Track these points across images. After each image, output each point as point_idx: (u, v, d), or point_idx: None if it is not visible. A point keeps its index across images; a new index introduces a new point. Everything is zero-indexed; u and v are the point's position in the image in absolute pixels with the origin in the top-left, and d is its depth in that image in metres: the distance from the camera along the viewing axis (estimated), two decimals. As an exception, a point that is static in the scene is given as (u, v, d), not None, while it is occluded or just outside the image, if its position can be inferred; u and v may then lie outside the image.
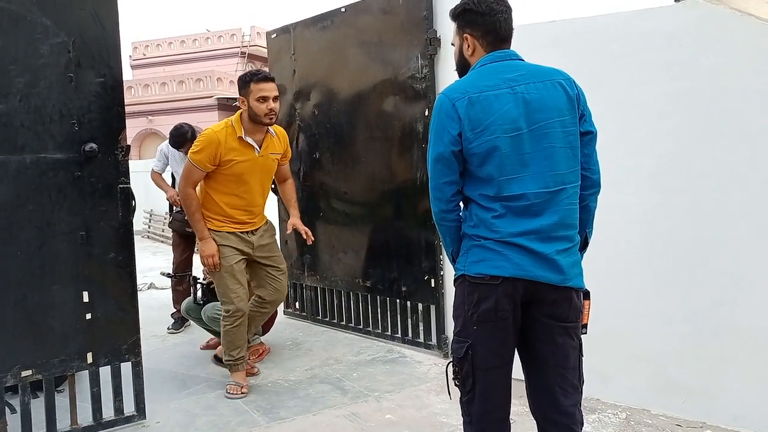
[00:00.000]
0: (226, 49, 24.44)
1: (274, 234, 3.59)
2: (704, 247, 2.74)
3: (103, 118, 2.85)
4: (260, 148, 3.28)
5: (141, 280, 5.76)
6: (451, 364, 1.86)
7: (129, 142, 2.98)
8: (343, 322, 4.57)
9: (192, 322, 4.34)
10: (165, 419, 3.08)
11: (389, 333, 4.22)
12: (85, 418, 2.91)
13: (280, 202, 4.52)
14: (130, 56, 25.78)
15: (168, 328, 4.77)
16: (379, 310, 4.28)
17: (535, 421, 1.91)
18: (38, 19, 2.67)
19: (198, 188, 3.37)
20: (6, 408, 2.98)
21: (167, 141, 4.80)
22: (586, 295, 1.87)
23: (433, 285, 3.86)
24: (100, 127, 2.84)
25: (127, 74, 23.82)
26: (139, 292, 3.08)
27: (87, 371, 2.87)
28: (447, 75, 3.59)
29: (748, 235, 2.63)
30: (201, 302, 4.05)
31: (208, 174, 3.27)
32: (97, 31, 2.82)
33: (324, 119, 4.51)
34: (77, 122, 2.78)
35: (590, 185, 1.87)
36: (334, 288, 4.61)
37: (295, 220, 3.60)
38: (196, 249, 5.00)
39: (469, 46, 1.88)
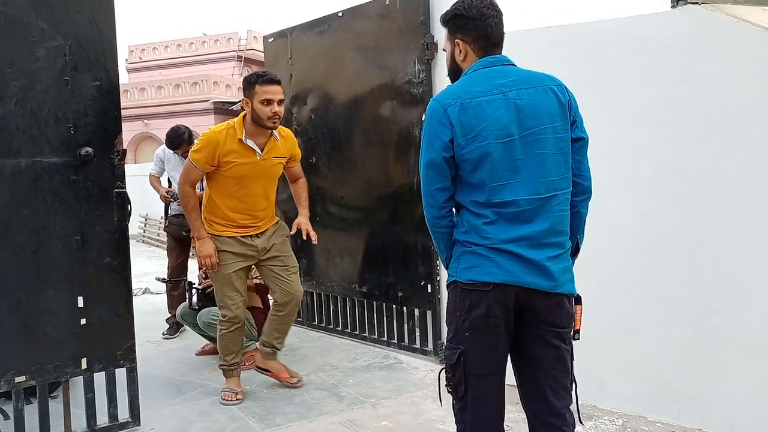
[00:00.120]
0: (222, 53, 24.43)
1: (285, 234, 3.45)
2: (701, 254, 2.74)
3: (99, 121, 2.83)
4: (262, 151, 3.19)
5: (136, 284, 5.73)
6: (444, 370, 1.86)
7: (125, 145, 2.97)
8: (339, 328, 4.56)
9: (187, 327, 4.32)
10: (160, 425, 3.06)
11: (385, 339, 4.21)
12: (79, 424, 2.89)
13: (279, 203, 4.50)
14: (127, 59, 25.75)
15: (163, 334, 4.75)
16: (375, 315, 4.27)
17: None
18: (34, 22, 2.66)
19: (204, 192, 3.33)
20: (-1, 414, 2.96)
21: (164, 145, 4.79)
22: (578, 300, 1.87)
23: (429, 290, 3.85)
24: (96, 131, 2.82)
25: (123, 78, 23.79)
26: (133, 297, 3.07)
27: (81, 377, 2.85)
28: (444, 80, 3.58)
29: (744, 241, 2.63)
30: (196, 307, 4.03)
31: (210, 176, 3.23)
32: (93, 34, 2.81)
33: (321, 124, 4.51)
34: (73, 126, 2.77)
35: (581, 191, 1.87)
36: (330, 293, 4.60)
37: (301, 220, 3.43)
38: (191, 254, 5.00)
39: (460, 51, 1.88)
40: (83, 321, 2.80)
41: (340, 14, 4.29)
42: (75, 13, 2.76)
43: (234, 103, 17.71)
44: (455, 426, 1.90)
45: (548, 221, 1.75)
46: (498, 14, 1.85)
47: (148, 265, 8.95)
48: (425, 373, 3.69)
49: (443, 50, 1.98)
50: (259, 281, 3.94)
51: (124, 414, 2.98)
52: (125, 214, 2.92)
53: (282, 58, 4.78)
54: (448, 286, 1.88)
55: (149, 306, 5.88)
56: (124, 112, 3.02)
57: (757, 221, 2.59)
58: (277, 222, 3.46)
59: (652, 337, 2.87)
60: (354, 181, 4.28)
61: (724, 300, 2.68)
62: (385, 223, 4.11)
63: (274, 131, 3.23)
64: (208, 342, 4.19)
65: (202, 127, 17.86)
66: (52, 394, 3.00)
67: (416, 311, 4.02)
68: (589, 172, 1.89)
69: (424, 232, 3.80)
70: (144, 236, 12.84)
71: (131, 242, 3.03)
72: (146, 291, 6.75)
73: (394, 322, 4.15)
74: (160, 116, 20.88)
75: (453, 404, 1.87)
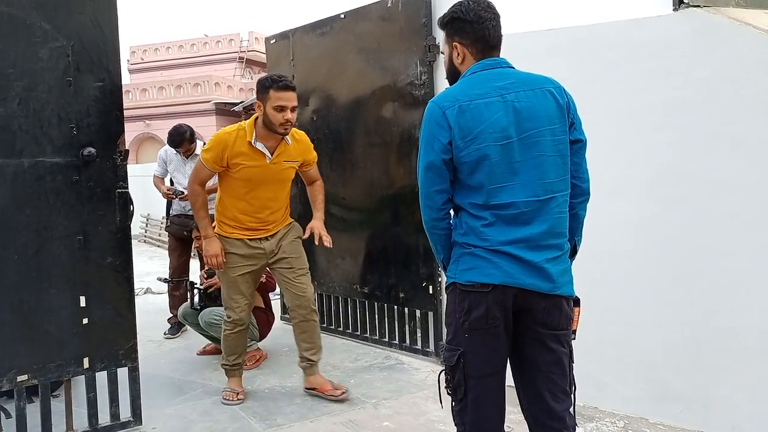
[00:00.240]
0: (224, 54, 24.48)
1: (296, 235, 3.38)
2: (701, 256, 2.74)
3: (102, 122, 2.84)
4: (272, 154, 3.13)
5: (137, 284, 5.73)
6: (443, 372, 1.86)
7: (126, 146, 2.97)
8: (341, 329, 4.56)
9: (189, 327, 4.33)
10: (161, 425, 3.07)
11: (387, 339, 4.21)
12: (81, 423, 2.89)
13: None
14: (128, 60, 25.80)
15: (164, 333, 4.76)
16: (376, 316, 4.27)
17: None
18: (37, 23, 2.67)
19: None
20: (1, 413, 2.97)
21: (166, 146, 4.80)
22: (577, 302, 1.87)
23: (431, 291, 3.85)
24: (98, 132, 2.83)
25: (125, 78, 23.84)
26: (135, 297, 3.07)
27: (83, 376, 2.85)
28: (446, 82, 3.59)
29: (744, 243, 2.63)
30: (198, 307, 4.04)
31: (221, 176, 3.21)
32: (96, 35, 2.82)
33: (323, 125, 4.51)
34: (76, 126, 2.77)
35: (580, 193, 1.87)
36: (331, 294, 4.61)
37: (314, 223, 3.30)
38: (193, 254, 5.01)
39: (458, 54, 1.89)
40: (85, 320, 2.81)
41: (342, 16, 4.30)
42: (78, 14, 2.77)
43: (235, 104, 17.74)
44: (456, 427, 1.90)
45: (547, 223, 1.76)
46: (495, 17, 1.86)
47: (149, 265, 8.97)
48: (426, 374, 3.69)
49: (441, 53, 1.99)
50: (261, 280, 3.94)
51: (125, 413, 2.99)
52: (128, 214, 2.93)
53: (284, 59, 4.79)
54: (447, 288, 1.88)
55: (151, 306, 5.89)
56: (125, 113, 3.03)
57: (757, 223, 2.60)
58: (290, 223, 3.40)
59: (653, 339, 2.87)
60: (356, 182, 4.29)
61: (724, 301, 2.68)
62: (387, 224, 4.11)
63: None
64: (210, 342, 4.20)
65: (204, 128, 17.92)
66: (53, 393, 3.01)
67: (417, 312, 4.02)
68: (588, 174, 1.89)
69: (425, 234, 3.81)
70: (145, 236, 12.85)
71: (132, 242, 3.04)
72: (148, 291, 6.76)
73: (396, 323, 4.15)
74: (161, 117, 20.92)
75: (452, 406, 1.87)
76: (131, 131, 20.83)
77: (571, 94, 1.87)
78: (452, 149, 1.76)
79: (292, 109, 3.04)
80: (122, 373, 2.95)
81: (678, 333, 2.81)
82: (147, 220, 12.93)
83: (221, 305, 4.01)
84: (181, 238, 4.75)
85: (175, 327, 4.78)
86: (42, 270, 2.71)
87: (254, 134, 3.09)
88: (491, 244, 1.74)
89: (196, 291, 4.10)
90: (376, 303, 4.25)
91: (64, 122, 2.75)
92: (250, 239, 3.24)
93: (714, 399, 2.72)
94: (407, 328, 4.10)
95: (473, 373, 1.79)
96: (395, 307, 4.13)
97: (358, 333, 4.40)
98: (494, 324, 1.76)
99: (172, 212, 4.85)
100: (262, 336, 4.15)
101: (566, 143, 1.80)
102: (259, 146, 3.10)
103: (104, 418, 2.94)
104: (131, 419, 3.00)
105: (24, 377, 2.68)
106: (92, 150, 2.80)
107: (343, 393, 3.30)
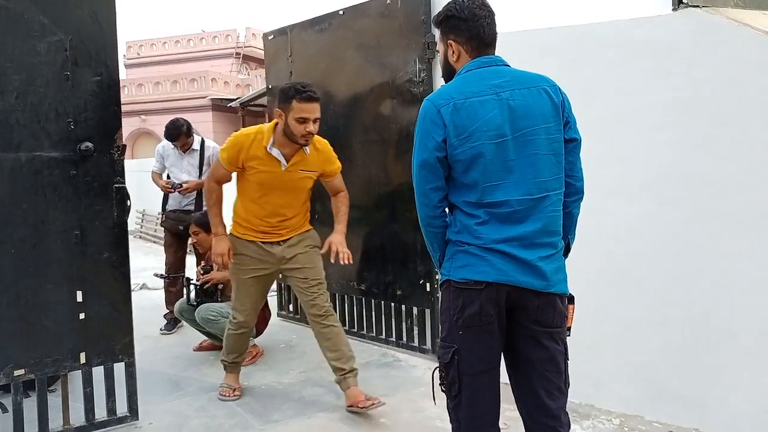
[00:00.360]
0: (220, 49, 24.38)
1: (312, 244, 3.25)
2: (698, 255, 2.75)
3: (99, 117, 2.84)
4: (288, 163, 3.04)
5: (133, 280, 5.72)
6: (438, 369, 1.86)
7: (123, 141, 2.96)
8: (337, 325, 4.56)
9: (185, 323, 4.32)
10: (158, 420, 3.07)
11: (384, 337, 4.22)
12: (78, 418, 2.89)
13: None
14: (124, 55, 25.67)
15: (161, 329, 4.75)
16: (373, 313, 4.28)
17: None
18: (35, 17, 2.66)
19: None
20: (-3, 408, 2.96)
21: (164, 141, 4.78)
22: (571, 300, 1.88)
23: (428, 289, 3.86)
24: (96, 126, 2.83)
25: (121, 73, 23.71)
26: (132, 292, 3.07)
27: (80, 371, 2.85)
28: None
29: (741, 243, 2.64)
30: (194, 303, 4.03)
31: (238, 176, 3.16)
32: (94, 29, 2.81)
33: (321, 122, 4.49)
34: (73, 121, 2.77)
35: (574, 192, 1.88)
36: (328, 291, 4.59)
37: (334, 238, 3.10)
38: (189, 250, 5.00)
39: (453, 52, 1.89)
40: (82, 315, 2.81)
41: (341, 12, 4.29)
42: (76, 8, 2.76)
43: (232, 100, 17.67)
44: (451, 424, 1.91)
45: (540, 221, 1.76)
46: (490, 14, 1.86)
47: (145, 261, 8.93)
48: (423, 371, 3.70)
49: (436, 51, 1.99)
50: None
51: (122, 408, 2.99)
52: (125, 209, 2.93)
53: (282, 55, 4.78)
54: (441, 286, 1.89)
55: (147, 301, 5.86)
56: (121, 108, 3.02)
57: (756, 224, 2.61)
58: (307, 231, 3.28)
59: (650, 338, 2.88)
60: (353, 179, 4.27)
61: (721, 301, 2.70)
62: (385, 222, 4.12)
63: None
64: (206, 338, 4.19)
65: (200, 123, 17.87)
66: (50, 388, 3.00)
67: (415, 309, 4.03)
68: (582, 173, 1.89)
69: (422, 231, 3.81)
70: (141, 232, 12.81)
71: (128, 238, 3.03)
72: (144, 286, 6.74)
73: (393, 320, 4.16)
74: (157, 112, 20.82)
75: (447, 403, 1.88)
76: (127, 126, 20.72)
77: (570, 93, 1.87)
78: (447, 147, 1.76)
79: (315, 121, 2.97)
80: (119, 368, 2.95)
81: (675, 332, 2.82)
82: (142, 215, 12.88)
83: (217, 301, 4.02)
84: (177, 233, 4.74)
85: (172, 323, 4.77)
86: (39, 265, 2.71)
87: (272, 140, 3.01)
88: (485, 242, 1.75)
89: (192, 287, 4.09)
90: (373, 300, 4.26)
91: (61, 117, 2.74)
92: (263, 242, 3.18)
93: (710, 397, 2.73)
94: (404, 325, 4.10)
95: (467, 370, 1.80)
96: (392, 304, 4.13)
97: (356, 330, 4.40)
98: (488, 321, 1.77)
99: (168, 207, 4.83)
100: (259, 332, 4.14)
101: (561, 142, 1.80)
102: (275, 153, 3.01)
103: (101, 413, 2.94)
104: (128, 414, 3.00)
105: (21, 372, 2.68)
106: (89, 145, 2.79)
107: (373, 403, 3.07)
